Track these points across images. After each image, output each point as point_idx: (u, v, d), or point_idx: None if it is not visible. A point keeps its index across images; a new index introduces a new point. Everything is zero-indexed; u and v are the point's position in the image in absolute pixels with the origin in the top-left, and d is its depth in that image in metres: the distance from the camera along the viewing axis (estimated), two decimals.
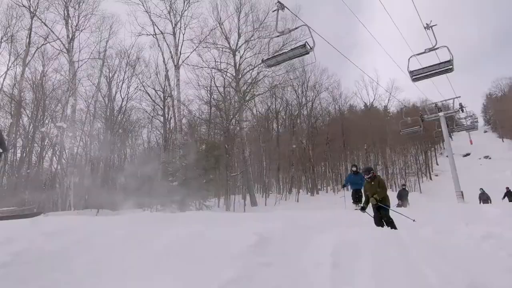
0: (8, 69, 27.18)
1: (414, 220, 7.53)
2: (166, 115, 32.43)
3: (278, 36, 11.85)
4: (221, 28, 31.17)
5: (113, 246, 4.09)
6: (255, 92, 32.21)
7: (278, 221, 5.54)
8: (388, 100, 46.83)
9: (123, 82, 31.91)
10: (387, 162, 42.71)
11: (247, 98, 31.42)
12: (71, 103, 27.17)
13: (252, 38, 31.00)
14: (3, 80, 27.25)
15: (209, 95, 31.65)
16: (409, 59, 13.05)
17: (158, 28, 30.01)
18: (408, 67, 13.12)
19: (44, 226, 4.61)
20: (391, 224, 7.18)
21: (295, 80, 36.85)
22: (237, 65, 30.87)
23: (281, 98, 39.00)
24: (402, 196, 16.58)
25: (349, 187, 13.40)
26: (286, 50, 11.74)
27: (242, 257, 3.25)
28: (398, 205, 15.27)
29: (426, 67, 12.97)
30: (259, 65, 29.05)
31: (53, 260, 3.56)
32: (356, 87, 70.34)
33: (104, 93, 31.30)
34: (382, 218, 7.33)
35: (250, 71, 31.12)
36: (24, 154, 27.36)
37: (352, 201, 12.98)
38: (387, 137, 40.42)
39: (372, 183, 7.84)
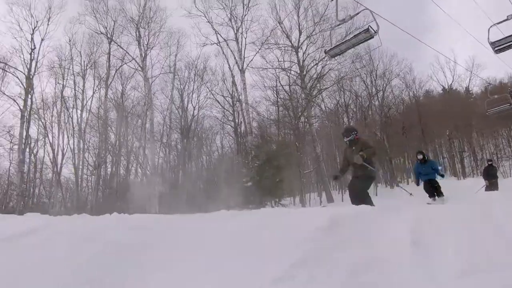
0: (94, 93, 30.27)
1: (411, 194, 6.20)
2: (236, 120, 33.42)
3: (339, 24, 11.58)
4: (281, 27, 31.29)
5: (194, 235, 4.32)
6: (321, 87, 31.69)
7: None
8: (469, 80, 42.90)
9: (193, 93, 33.53)
10: (475, 147, 39.15)
11: (314, 93, 31.01)
12: (149, 117, 29.31)
13: (313, 33, 30.60)
14: (91, 102, 30.28)
15: (275, 95, 31.90)
16: (488, 29, 11.81)
17: (221, 36, 31.11)
18: (488, 38, 11.88)
19: (130, 222, 5.09)
20: (366, 201, 5.53)
21: (362, 70, 35.36)
22: (301, 61, 30.67)
23: (350, 90, 37.68)
24: (489, 175, 13.69)
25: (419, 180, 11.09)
26: (348, 38, 11.40)
27: (312, 239, 3.19)
28: (486, 188, 13.18)
29: (510, 36, 11.66)
30: (323, 59, 28.62)
31: (137, 250, 3.90)
32: (431, 69, 65.01)
33: (177, 104, 33.17)
34: (358, 192, 5.79)
35: (315, 66, 30.72)
36: (114, 168, 30.07)
37: (428, 195, 10.82)
38: (471, 120, 37.03)
39: (353, 148, 6.20)
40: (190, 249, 3.60)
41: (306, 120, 30.20)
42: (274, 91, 31.73)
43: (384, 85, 38.14)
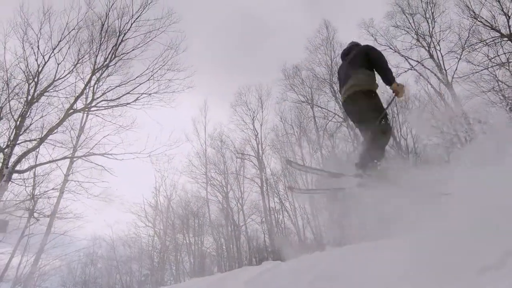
0: (311, 157, 33.49)
1: None
2: (462, 139, 29.35)
3: None
4: (481, 21, 26.96)
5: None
6: None
7: None
8: None
9: (401, 128, 31.90)
10: None
11: None
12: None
13: None
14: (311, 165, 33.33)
15: (501, 97, 26.56)
16: None
17: (412, 59, 29.37)
18: None
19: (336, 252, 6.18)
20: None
21: None
22: None
23: None
24: None
25: None
26: None
27: None
28: None
29: None
30: None
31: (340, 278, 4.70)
32: None
33: (390, 143, 32.01)
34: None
35: None
36: None
37: None
38: None
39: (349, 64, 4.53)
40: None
41: None
42: (497, 93, 26.55)
43: None
